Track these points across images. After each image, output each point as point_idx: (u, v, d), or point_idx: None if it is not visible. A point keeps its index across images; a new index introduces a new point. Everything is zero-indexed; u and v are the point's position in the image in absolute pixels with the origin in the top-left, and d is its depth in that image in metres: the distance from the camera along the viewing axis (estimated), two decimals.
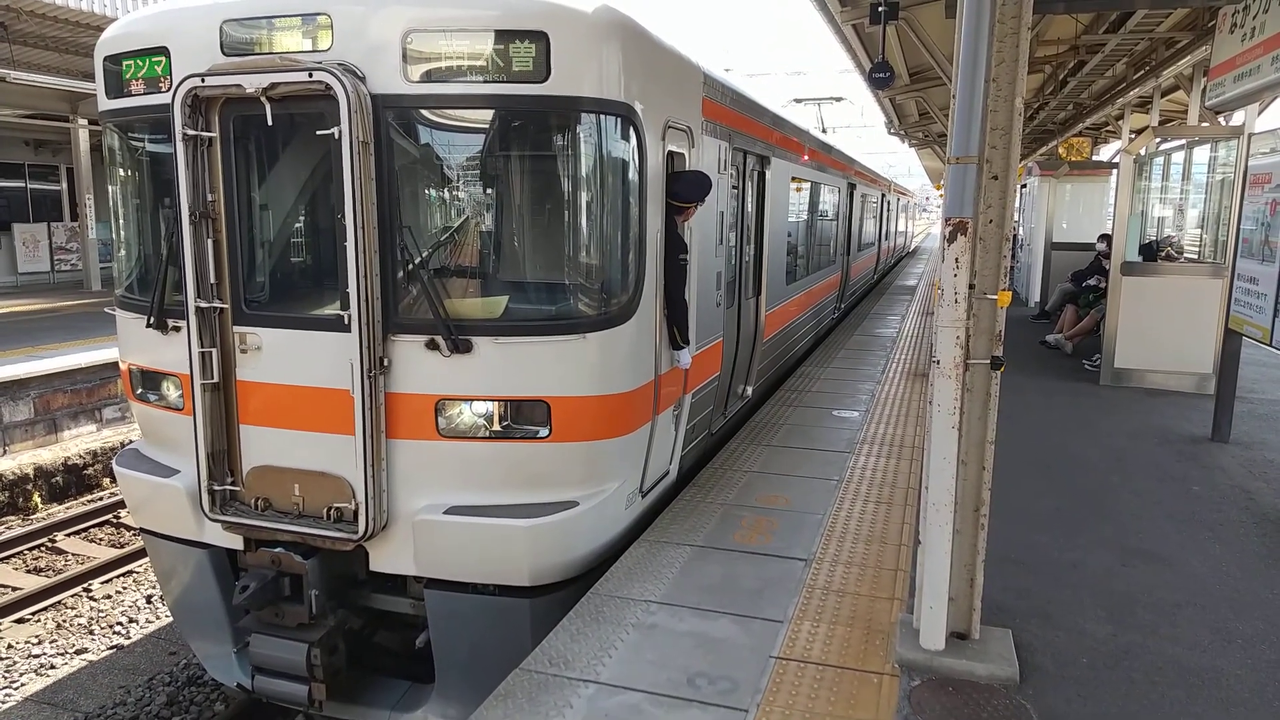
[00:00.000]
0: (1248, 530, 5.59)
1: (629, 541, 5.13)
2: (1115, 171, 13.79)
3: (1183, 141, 12.89)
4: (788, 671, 3.76)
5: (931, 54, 11.26)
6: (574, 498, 4.63)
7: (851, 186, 15.33)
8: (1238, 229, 7.40)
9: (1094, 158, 21.44)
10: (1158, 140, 12.95)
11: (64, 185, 22.46)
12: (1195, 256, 12.88)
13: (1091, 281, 12.86)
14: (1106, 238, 14.02)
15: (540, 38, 4.19)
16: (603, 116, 4.48)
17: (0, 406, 10.34)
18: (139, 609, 7.97)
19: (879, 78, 10.65)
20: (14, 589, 8.10)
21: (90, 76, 5.31)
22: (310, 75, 4.17)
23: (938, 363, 3.47)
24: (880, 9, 8.60)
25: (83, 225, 20.41)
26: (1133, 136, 11.89)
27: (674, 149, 5.27)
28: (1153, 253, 11.52)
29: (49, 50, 15.68)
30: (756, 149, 7.66)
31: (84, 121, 19.12)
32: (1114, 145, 21.57)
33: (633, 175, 4.71)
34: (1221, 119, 10.55)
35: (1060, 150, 20.56)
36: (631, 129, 4.63)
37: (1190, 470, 6.85)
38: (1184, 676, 3.82)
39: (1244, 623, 4.33)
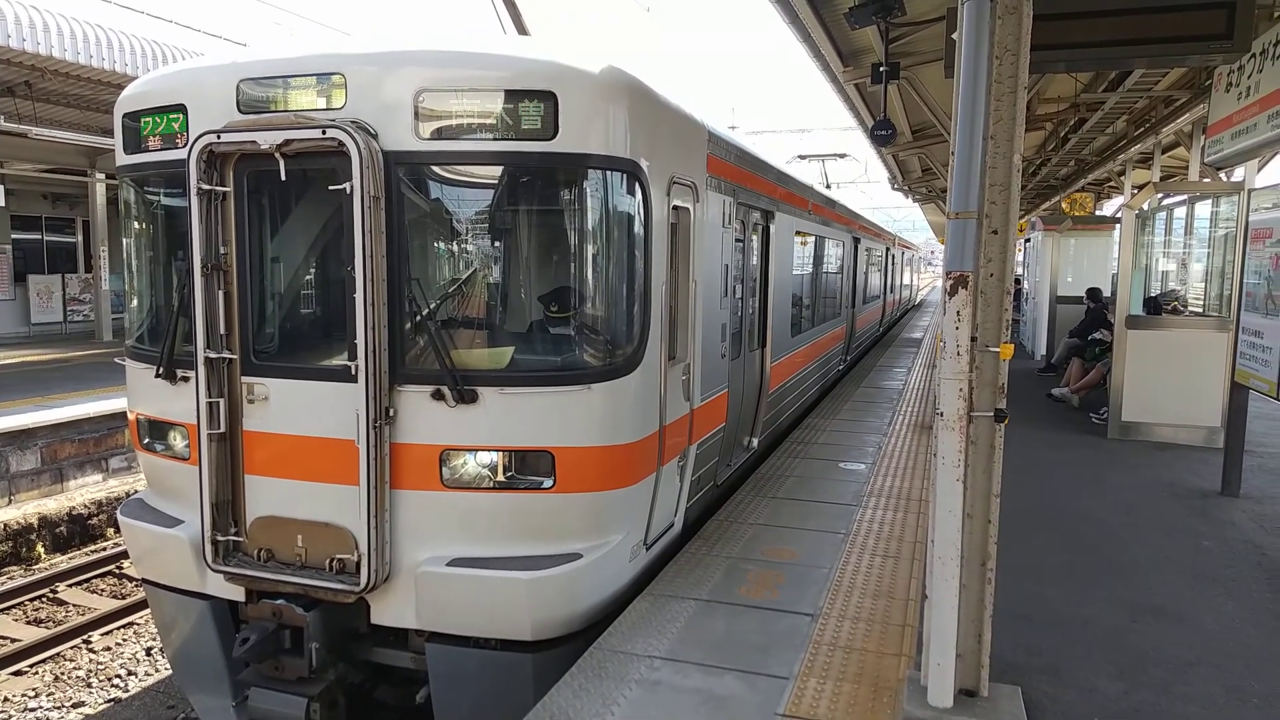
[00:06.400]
0: (1260, 586, 5.51)
1: (633, 595, 5.08)
2: (1118, 226, 13.90)
3: (1184, 197, 13.01)
4: None
5: (933, 111, 11.46)
6: (578, 550, 4.60)
7: (856, 240, 15.47)
8: (1241, 283, 7.43)
9: (1097, 212, 21.64)
10: (1159, 196, 13.09)
11: (79, 238, 22.79)
12: (1200, 310, 12.91)
13: (1098, 335, 12.88)
14: (1093, 291, 14.08)
15: (549, 97, 4.29)
16: (609, 173, 4.56)
17: (7, 456, 10.37)
18: (138, 661, 7.88)
19: (881, 135, 10.82)
20: (13, 640, 8.02)
21: (109, 132, 5.44)
22: (324, 132, 4.28)
23: (941, 415, 3.47)
24: (882, 69, 8.77)
25: (96, 277, 20.64)
26: (1134, 192, 12.02)
27: (679, 204, 5.35)
28: (1158, 307, 11.56)
29: (70, 107, 16.06)
30: (761, 204, 7.77)
31: (101, 176, 19.48)
32: (1117, 200, 21.78)
33: (638, 230, 4.78)
34: (1222, 175, 10.67)
35: (1063, 205, 20.75)
36: (637, 185, 4.71)
37: (1200, 525, 6.78)
38: None
39: (1259, 681, 4.25)
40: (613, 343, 4.70)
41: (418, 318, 4.49)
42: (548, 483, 4.50)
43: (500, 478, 4.52)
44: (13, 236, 20.89)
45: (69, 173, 19.60)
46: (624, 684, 4.07)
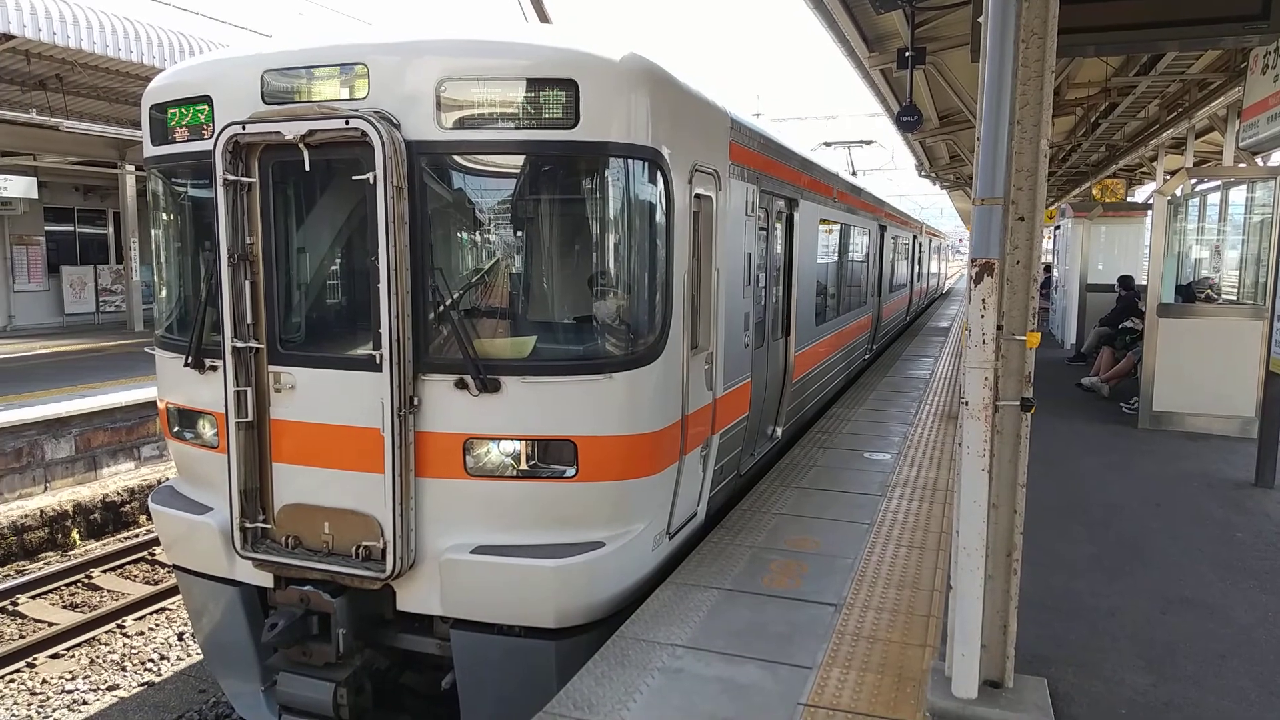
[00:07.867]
0: None
1: (656, 584, 5.09)
2: (1150, 213, 13.67)
3: (1218, 182, 12.76)
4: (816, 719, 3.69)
5: (960, 97, 11.32)
6: (600, 538, 4.62)
7: (882, 228, 15.33)
8: (1276, 270, 7.28)
9: (1129, 199, 21.30)
10: (1192, 181, 12.85)
11: (111, 229, 23.13)
12: (1234, 298, 12.67)
13: (1128, 323, 12.69)
14: (1125, 279, 13.85)
15: (570, 85, 4.28)
16: (630, 161, 4.55)
17: (43, 444, 10.58)
18: (170, 646, 8.03)
19: (907, 121, 10.72)
20: (50, 624, 8.20)
21: (138, 124, 5.50)
22: (347, 123, 4.30)
23: (966, 404, 3.44)
24: (907, 54, 8.68)
25: (127, 267, 20.95)
26: (1167, 178, 11.80)
27: (701, 192, 5.32)
28: (1191, 294, 11.36)
29: (99, 100, 16.28)
30: (785, 191, 7.71)
31: (131, 167, 19.72)
32: (1149, 186, 21.42)
33: (659, 218, 4.77)
34: (1258, 159, 10.45)
35: (1094, 192, 20.43)
36: (659, 173, 4.70)
37: (1233, 516, 6.67)
38: None
39: None
40: (635, 332, 4.69)
41: (441, 307, 4.51)
42: (570, 471, 4.52)
43: (523, 466, 4.54)
44: (46, 228, 21.25)
45: (100, 165, 19.88)
46: (646, 672, 4.08)
